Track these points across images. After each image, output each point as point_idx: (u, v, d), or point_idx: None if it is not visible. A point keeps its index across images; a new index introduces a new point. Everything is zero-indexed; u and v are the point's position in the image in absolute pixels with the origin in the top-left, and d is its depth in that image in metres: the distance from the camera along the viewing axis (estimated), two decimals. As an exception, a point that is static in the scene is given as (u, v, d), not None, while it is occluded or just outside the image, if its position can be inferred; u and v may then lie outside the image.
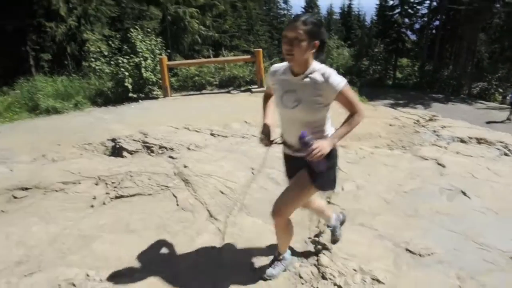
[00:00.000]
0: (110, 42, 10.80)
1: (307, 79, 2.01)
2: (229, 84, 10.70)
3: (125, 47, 9.82)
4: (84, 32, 13.57)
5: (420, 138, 5.63)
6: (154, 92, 9.82)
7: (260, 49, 10.33)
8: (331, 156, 2.07)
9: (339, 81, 1.98)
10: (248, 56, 11.11)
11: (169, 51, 11.91)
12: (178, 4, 18.15)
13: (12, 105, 8.67)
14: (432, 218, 3.11)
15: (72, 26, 14.36)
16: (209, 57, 16.77)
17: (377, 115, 7.29)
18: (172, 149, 4.96)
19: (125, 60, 9.29)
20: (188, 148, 4.93)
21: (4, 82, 11.26)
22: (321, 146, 1.89)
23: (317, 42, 1.96)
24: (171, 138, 5.28)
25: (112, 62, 9.63)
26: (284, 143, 2.26)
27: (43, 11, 14.15)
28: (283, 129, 2.23)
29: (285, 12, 48.13)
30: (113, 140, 5.53)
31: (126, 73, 9.13)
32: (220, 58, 13.79)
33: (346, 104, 2.05)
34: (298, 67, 2.02)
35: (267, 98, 2.39)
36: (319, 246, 2.69)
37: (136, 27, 10.71)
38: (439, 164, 4.28)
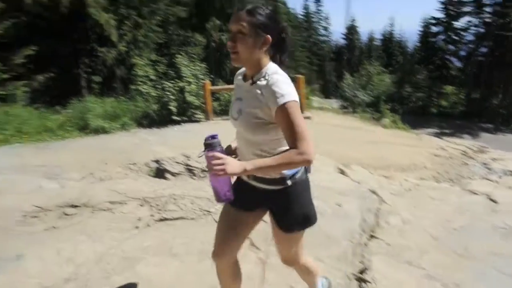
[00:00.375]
0: (156, 67, 11.29)
1: (254, 85, 1.62)
2: (268, 109, 10.79)
3: (171, 71, 10.23)
4: (132, 57, 14.26)
5: (469, 170, 5.39)
6: (197, 116, 10.07)
7: (301, 76, 10.40)
8: (294, 193, 1.73)
9: (285, 93, 1.49)
10: (289, 82, 11.21)
11: (212, 76, 12.25)
12: (222, 32, 18.73)
13: (64, 124, 9.19)
14: (484, 258, 2.94)
15: (122, 51, 15.18)
16: (249, 82, 17.05)
17: (422, 144, 7.09)
18: (213, 173, 5.01)
19: (170, 84, 9.67)
20: (229, 173, 4.97)
21: (57, 102, 11.95)
22: (227, 162, 1.45)
23: (268, 37, 1.57)
24: (213, 162, 5.34)
25: (158, 86, 10.03)
26: None
27: (96, 37, 15.09)
28: (238, 146, 1.84)
29: (325, 38, 48.52)
30: (157, 161, 5.68)
31: (172, 97, 9.48)
32: (261, 83, 13.99)
33: (285, 129, 1.49)
34: (249, 69, 1.66)
35: None
36: (364, 284, 2.60)
37: (182, 53, 11.16)
38: (491, 200, 4.07)
